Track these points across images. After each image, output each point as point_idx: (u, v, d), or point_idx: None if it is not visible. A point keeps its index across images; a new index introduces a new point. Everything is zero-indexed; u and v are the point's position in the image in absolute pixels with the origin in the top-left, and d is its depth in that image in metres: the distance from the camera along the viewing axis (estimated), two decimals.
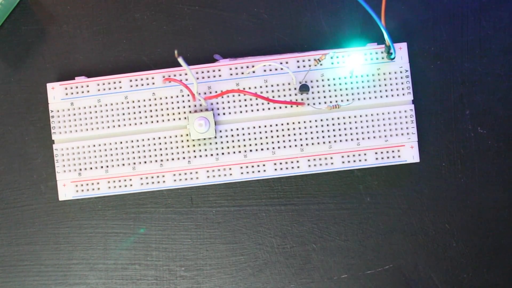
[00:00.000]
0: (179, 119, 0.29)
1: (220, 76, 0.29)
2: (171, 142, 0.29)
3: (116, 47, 0.30)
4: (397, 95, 0.29)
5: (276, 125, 0.28)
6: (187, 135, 0.29)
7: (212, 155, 0.29)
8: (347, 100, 0.29)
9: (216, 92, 0.29)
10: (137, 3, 0.30)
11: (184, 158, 0.29)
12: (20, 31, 0.30)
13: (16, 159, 0.30)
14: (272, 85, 0.29)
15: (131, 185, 0.29)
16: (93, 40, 0.30)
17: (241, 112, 0.29)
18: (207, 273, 0.30)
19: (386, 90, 0.29)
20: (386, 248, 0.30)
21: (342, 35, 0.30)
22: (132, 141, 0.29)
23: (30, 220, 0.30)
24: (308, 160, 0.28)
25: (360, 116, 0.28)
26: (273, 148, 0.28)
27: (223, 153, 0.28)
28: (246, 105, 0.29)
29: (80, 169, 0.29)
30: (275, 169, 0.28)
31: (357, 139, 0.28)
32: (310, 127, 0.28)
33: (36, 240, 0.30)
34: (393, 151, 0.28)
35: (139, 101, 0.29)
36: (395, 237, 0.30)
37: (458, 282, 0.30)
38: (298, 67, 0.29)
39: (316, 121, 0.28)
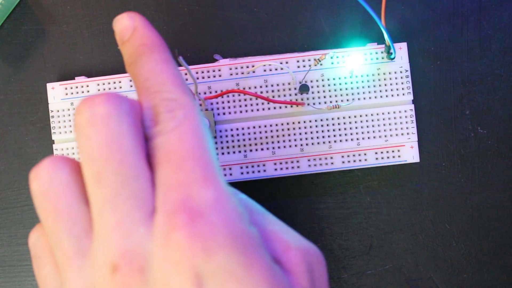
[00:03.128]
0: None
1: (220, 76, 0.29)
2: None
3: (116, 47, 0.30)
4: (397, 95, 0.29)
5: (276, 125, 0.28)
6: None
7: None
8: (347, 100, 0.29)
9: (216, 92, 0.29)
10: (137, 3, 0.30)
11: None
12: (20, 31, 0.30)
13: (16, 159, 0.30)
14: (272, 85, 0.29)
15: None
16: (93, 40, 0.30)
17: (241, 112, 0.29)
18: None
19: (386, 90, 0.29)
20: (386, 248, 0.30)
21: (342, 35, 0.30)
22: None
23: (30, 220, 0.30)
24: (308, 160, 0.28)
25: (360, 116, 0.28)
26: (273, 148, 0.28)
27: (223, 153, 0.28)
28: (246, 105, 0.29)
29: None
30: (275, 169, 0.28)
31: (357, 139, 0.28)
32: (310, 127, 0.28)
33: None
34: (393, 151, 0.28)
35: None
36: (395, 237, 0.30)
37: (458, 282, 0.30)
38: (298, 67, 0.29)
39: (316, 121, 0.28)
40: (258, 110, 0.29)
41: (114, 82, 0.29)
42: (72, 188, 0.16)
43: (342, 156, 0.29)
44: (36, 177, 0.16)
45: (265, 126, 0.28)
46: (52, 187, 0.16)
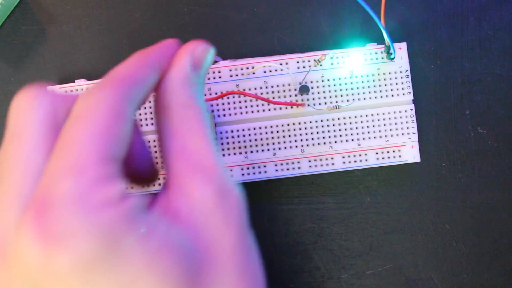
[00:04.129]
0: None
1: (220, 77, 0.29)
2: None
3: (116, 47, 0.30)
4: (397, 95, 0.29)
5: (277, 126, 0.29)
6: None
7: None
8: (347, 100, 0.29)
9: (216, 93, 0.29)
10: (137, 3, 0.30)
11: None
12: (20, 31, 0.30)
13: None
14: (272, 86, 0.29)
15: (131, 186, 0.29)
16: (93, 40, 0.30)
17: (241, 113, 0.29)
18: None
19: (386, 90, 0.29)
20: (386, 248, 0.30)
21: (342, 35, 0.30)
22: None
23: None
24: (309, 161, 0.28)
25: (361, 116, 0.28)
26: (274, 149, 0.28)
27: (223, 155, 0.28)
28: (246, 106, 0.29)
29: None
30: (276, 170, 0.29)
31: (358, 139, 0.28)
32: (311, 127, 0.28)
33: None
34: (393, 151, 0.29)
35: None
36: (395, 237, 0.30)
37: (458, 282, 0.30)
38: (298, 67, 0.29)
39: (316, 121, 0.28)
40: (258, 111, 0.29)
41: None
42: None
43: (343, 157, 0.29)
44: None
45: (266, 127, 0.29)
46: None
